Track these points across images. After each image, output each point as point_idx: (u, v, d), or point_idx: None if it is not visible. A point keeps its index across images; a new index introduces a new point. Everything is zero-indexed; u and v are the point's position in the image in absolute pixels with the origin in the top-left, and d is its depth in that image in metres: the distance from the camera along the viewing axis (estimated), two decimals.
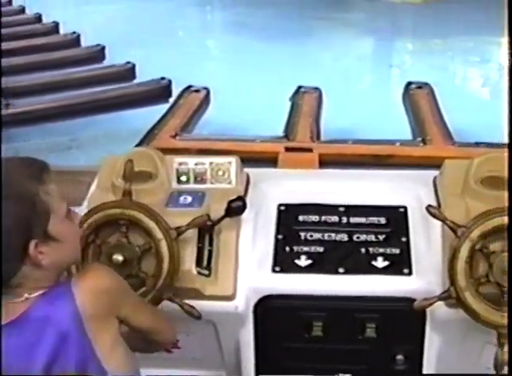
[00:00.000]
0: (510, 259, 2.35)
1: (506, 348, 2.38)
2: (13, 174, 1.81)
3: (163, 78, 8.33)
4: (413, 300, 2.47)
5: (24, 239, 1.78)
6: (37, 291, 1.85)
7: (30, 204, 1.78)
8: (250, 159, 4.22)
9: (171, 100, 7.77)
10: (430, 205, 2.52)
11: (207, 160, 2.88)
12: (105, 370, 1.89)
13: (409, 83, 7.64)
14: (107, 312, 1.94)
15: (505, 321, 2.37)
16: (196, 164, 2.87)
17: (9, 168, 1.83)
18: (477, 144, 5.84)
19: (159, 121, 6.76)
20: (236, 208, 2.58)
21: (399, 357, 2.69)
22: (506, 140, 5.66)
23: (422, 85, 7.54)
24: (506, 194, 2.51)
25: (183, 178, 2.85)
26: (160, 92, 8.23)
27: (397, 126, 6.94)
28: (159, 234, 2.47)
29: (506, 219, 2.41)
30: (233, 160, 2.86)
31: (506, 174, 2.58)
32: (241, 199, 2.62)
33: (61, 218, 1.87)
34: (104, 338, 1.91)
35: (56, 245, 1.84)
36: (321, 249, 2.70)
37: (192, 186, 2.84)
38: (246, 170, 2.96)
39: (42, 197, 1.80)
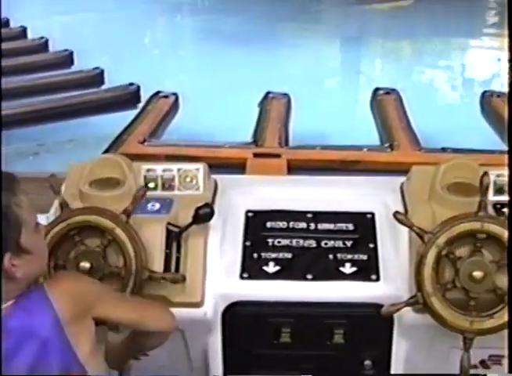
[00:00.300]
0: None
1: (471, 352, 2.41)
2: None
3: (131, 84, 8.29)
4: (381, 306, 2.49)
5: None
6: (7, 301, 1.83)
7: (3, 217, 1.76)
8: (218, 165, 4.23)
9: (140, 106, 7.73)
10: (397, 211, 2.53)
11: (174, 166, 2.88)
12: (87, 373, 1.90)
13: (377, 89, 7.67)
14: (84, 314, 1.95)
15: (470, 325, 2.40)
16: (164, 171, 2.87)
17: None
18: (444, 150, 5.88)
19: (127, 127, 6.71)
20: (203, 215, 2.59)
21: (367, 362, 2.70)
22: (473, 146, 5.76)
23: (389, 91, 7.56)
24: (471, 200, 2.54)
25: (151, 184, 2.86)
26: (128, 97, 8.19)
27: (365, 132, 6.96)
28: (110, 224, 2.47)
29: (471, 225, 2.43)
30: (201, 166, 2.87)
31: (473, 179, 2.61)
32: (209, 206, 2.62)
33: (32, 230, 1.86)
34: (84, 341, 1.93)
35: (28, 257, 1.83)
36: (289, 255, 2.71)
37: (160, 192, 2.84)
38: (214, 176, 2.97)
39: (14, 209, 1.79)
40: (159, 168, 2.88)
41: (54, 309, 1.84)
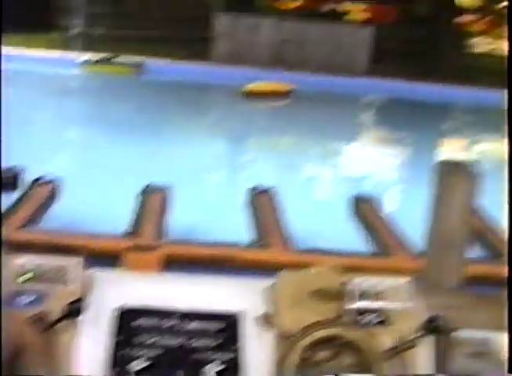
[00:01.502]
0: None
1: None
2: None
3: (12, 168, 8.22)
4: None
5: None
6: None
7: None
8: (94, 255, 4.26)
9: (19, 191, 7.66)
10: (263, 313, 2.64)
11: (50, 260, 2.91)
12: None
13: (253, 187, 7.87)
14: None
15: None
16: (39, 264, 2.90)
17: None
18: (314, 250, 6.09)
19: (5, 212, 6.66)
20: (74, 310, 2.63)
21: None
22: (340, 246, 6.00)
23: (265, 189, 7.77)
24: (334, 306, 2.68)
25: (26, 276, 2.87)
26: (8, 181, 8.10)
27: (240, 228, 7.11)
28: None
29: (332, 330, 2.57)
30: (77, 262, 2.91)
31: (337, 286, 2.76)
32: (80, 301, 2.67)
33: None
34: None
35: None
36: (157, 353, 2.77)
37: (33, 285, 2.85)
38: (90, 271, 3.01)
39: None
40: (34, 261, 2.90)
41: None
